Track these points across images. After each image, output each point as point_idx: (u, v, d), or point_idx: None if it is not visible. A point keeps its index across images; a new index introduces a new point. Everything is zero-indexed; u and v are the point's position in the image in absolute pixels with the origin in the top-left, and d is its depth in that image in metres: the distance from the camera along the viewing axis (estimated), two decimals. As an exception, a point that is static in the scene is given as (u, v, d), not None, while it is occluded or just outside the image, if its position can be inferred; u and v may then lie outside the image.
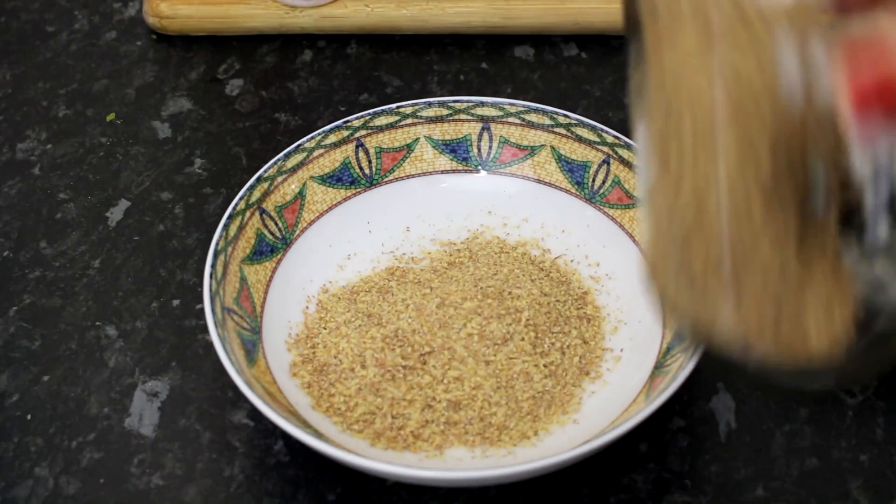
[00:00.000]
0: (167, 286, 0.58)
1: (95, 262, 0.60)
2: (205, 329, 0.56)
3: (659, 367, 0.50)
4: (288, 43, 0.73)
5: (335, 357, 0.52)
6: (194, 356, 0.55)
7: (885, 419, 0.52)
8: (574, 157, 0.58)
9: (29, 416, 0.53)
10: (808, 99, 0.36)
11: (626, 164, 0.57)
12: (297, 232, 0.57)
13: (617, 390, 0.51)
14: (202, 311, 0.57)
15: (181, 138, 0.67)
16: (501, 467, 0.45)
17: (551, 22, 0.71)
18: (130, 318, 0.57)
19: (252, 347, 0.51)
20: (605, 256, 0.57)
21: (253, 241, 0.55)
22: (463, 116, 0.60)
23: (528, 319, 0.53)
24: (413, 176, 0.60)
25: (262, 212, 0.56)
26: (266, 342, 0.52)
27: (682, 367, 0.47)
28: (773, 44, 0.35)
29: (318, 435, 0.47)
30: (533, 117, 0.59)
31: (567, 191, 0.59)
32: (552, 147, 0.59)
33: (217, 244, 0.53)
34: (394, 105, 0.60)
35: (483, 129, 0.60)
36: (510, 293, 0.54)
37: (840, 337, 0.39)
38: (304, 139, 0.58)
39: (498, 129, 0.60)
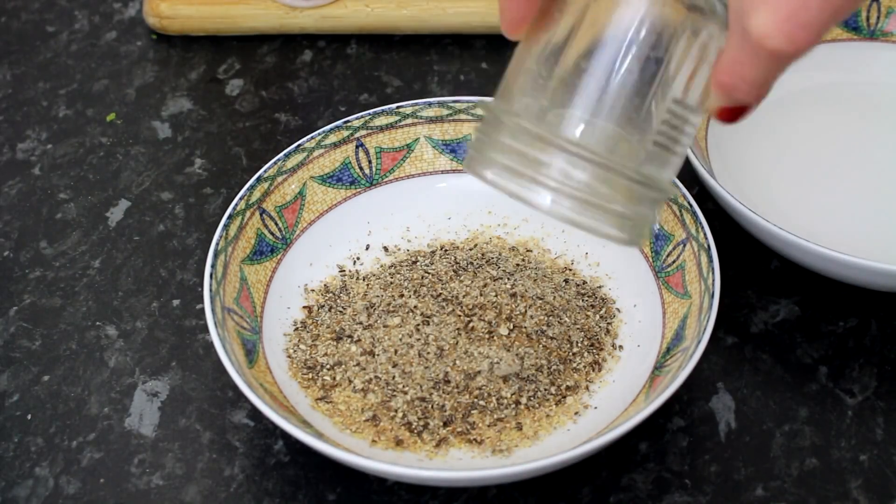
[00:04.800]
0: (167, 286, 0.58)
1: (95, 262, 0.60)
2: (205, 329, 0.56)
3: (659, 367, 0.50)
4: (288, 43, 0.73)
5: (336, 357, 0.52)
6: (194, 356, 0.55)
7: (884, 419, 0.52)
8: (574, 157, 0.58)
9: (29, 416, 0.53)
10: None
11: (626, 164, 0.57)
12: (297, 232, 0.57)
13: (617, 390, 0.51)
14: (202, 311, 0.57)
15: (181, 138, 0.67)
16: (501, 467, 0.45)
17: (551, 22, 0.71)
18: (130, 318, 0.57)
19: (252, 347, 0.51)
20: (605, 256, 0.57)
21: (253, 241, 0.55)
22: (463, 116, 0.60)
23: (528, 319, 0.53)
24: (413, 176, 0.60)
25: (263, 212, 0.56)
26: (266, 342, 0.52)
27: (682, 367, 0.47)
28: None
29: (318, 435, 0.47)
30: (533, 117, 0.59)
31: (567, 191, 0.58)
32: (552, 147, 0.59)
33: (217, 244, 0.53)
34: (394, 105, 0.60)
35: (483, 129, 0.60)
36: (510, 293, 0.54)
37: None
38: (304, 139, 0.58)
39: (498, 129, 0.60)
